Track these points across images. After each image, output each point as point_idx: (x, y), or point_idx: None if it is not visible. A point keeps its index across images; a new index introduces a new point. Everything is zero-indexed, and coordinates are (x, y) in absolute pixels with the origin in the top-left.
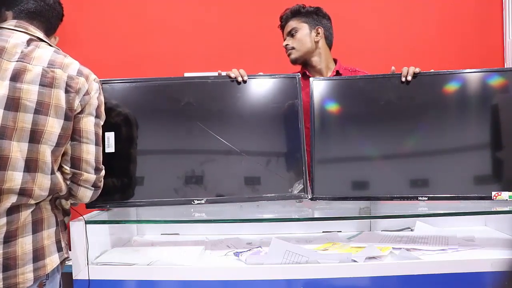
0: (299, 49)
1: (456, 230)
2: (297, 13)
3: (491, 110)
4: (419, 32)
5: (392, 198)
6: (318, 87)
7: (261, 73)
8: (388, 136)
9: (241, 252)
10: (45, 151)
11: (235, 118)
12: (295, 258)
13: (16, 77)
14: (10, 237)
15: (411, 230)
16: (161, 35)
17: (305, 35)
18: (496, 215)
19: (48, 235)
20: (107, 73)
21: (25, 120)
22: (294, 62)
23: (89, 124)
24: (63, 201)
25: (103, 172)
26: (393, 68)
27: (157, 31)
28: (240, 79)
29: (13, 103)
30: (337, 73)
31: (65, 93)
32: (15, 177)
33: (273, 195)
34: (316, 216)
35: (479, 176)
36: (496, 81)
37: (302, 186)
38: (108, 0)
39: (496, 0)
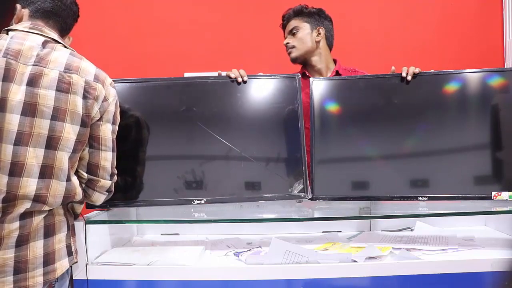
0: (300, 48)
1: (456, 230)
2: (300, 13)
3: (491, 110)
4: (419, 32)
5: (392, 198)
6: (318, 87)
7: (261, 73)
8: (388, 136)
9: (241, 252)
10: (62, 158)
11: (235, 118)
12: (295, 258)
13: (33, 81)
14: (22, 241)
15: (411, 230)
16: (161, 35)
17: (306, 34)
18: (496, 215)
19: (59, 239)
20: (107, 73)
21: (42, 126)
22: (294, 60)
23: (107, 132)
24: (76, 205)
25: (115, 177)
26: (393, 68)
27: (157, 31)
28: (240, 79)
29: (30, 109)
30: (337, 73)
31: (83, 99)
32: (30, 184)
33: (273, 195)
34: (316, 216)
35: (479, 176)
36: (496, 81)
37: (302, 186)
38: (108, 0)
39: (496, 0)
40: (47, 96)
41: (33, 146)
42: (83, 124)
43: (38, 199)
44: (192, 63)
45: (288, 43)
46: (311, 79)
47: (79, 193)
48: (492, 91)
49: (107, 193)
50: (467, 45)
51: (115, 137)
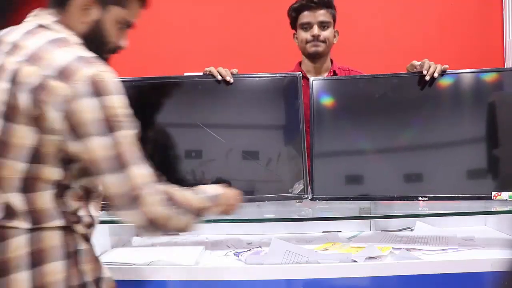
0: (327, 45)
1: (456, 230)
2: (330, 5)
3: (492, 110)
4: (419, 32)
5: (392, 198)
6: (318, 87)
7: (235, 70)
8: (388, 136)
9: (241, 252)
10: (13, 167)
11: (235, 117)
12: (295, 258)
13: None
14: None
15: (411, 230)
16: (161, 35)
17: (332, 33)
18: (496, 215)
19: (52, 270)
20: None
21: None
22: (317, 55)
23: (96, 150)
24: (78, 227)
25: (146, 199)
26: (414, 63)
27: (157, 31)
28: (228, 79)
29: None
30: (334, 73)
31: (33, 100)
32: None
33: (273, 195)
34: (316, 216)
35: (479, 176)
36: (496, 81)
37: (302, 186)
38: None
39: (496, 0)
40: (2, 90)
41: None
42: (40, 127)
43: (6, 209)
44: (192, 63)
45: (319, 35)
46: (311, 79)
47: (51, 213)
48: (492, 91)
49: (151, 229)
50: (467, 45)
51: (124, 149)
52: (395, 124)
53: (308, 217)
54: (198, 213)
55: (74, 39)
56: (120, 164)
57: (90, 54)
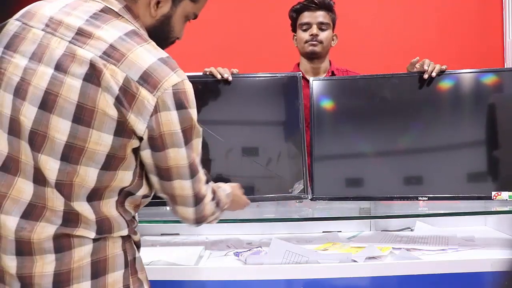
0: (325, 46)
1: (456, 230)
2: (330, 8)
3: (492, 110)
4: (419, 32)
5: (392, 198)
6: (318, 87)
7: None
8: (387, 136)
9: (241, 252)
10: (86, 174)
11: (235, 117)
12: (295, 258)
13: (62, 64)
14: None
15: (411, 230)
16: None
17: (331, 36)
18: (496, 215)
19: (114, 280)
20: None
21: (59, 128)
22: (313, 55)
23: (176, 160)
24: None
25: (207, 199)
26: (415, 60)
27: None
28: (226, 76)
29: (49, 101)
30: (332, 73)
31: (116, 102)
32: (56, 197)
33: (273, 195)
34: (316, 216)
35: (479, 176)
36: (495, 81)
37: (302, 186)
38: None
39: (496, 0)
40: (71, 87)
41: (46, 154)
42: (119, 132)
43: (68, 217)
44: (192, 63)
45: (317, 35)
46: (310, 79)
47: (117, 221)
48: (492, 91)
49: (195, 223)
50: (467, 45)
51: (195, 159)
52: (395, 124)
53: (308, 217)
54: (222, 209)
55: (144, 32)
56: (191, 171)
57: (166, 54)
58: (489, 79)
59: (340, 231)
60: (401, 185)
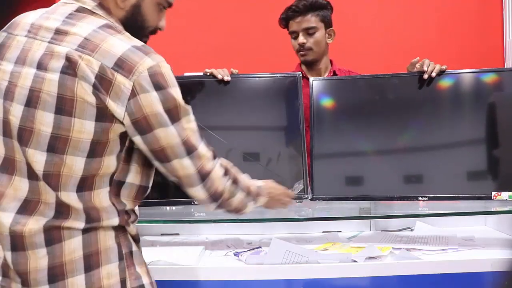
0: (316, 51)
1: (456, 230)
2: (316, 7)
3: (492, 110)
4: (419, 32)
5: (392, 198)
6: (318, 87)
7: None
8: (388, 136)
9: (241, 252)
10: (73, 163)
11: (235, 117)
12: (295, 258)
13: (42, 63)
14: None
15: (411, 230)
16: (160, 35)
17: (322, 36)
18: (496, 215)
19: (109, 272)
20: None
21: (44, 121)
22: (308, 63)
23: (167, 139)
24: (127, 226)
25: (215, 175)
26: (415, 60)
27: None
28: (225, 77)
29: (33, 97)
30: (334, 73)
31: (94, 89)
32: (48, 190)
33: None
34: (316, 216)
35: (479, 176)
36: (496, 81)
37: (302, 186)
38: None
39: (496, 0)
40: (51, 81)
41: (33, 148)
42: (100, 118)
43: (60, 209)
44: (192, 63)
45: (304, 43)
46: (311, 79)
47: (107, 211)
48: (492, 91)
49: (213, 203)
50: (467, 45)
51: (190, 136)
52: (395, 123)
53: (308, 217)
54: (254, 199)
55: (119, 25)
56: (187, 148)
57: (141, 43)
58: (489, 79)
59: (340, 231)
60: (401, 185)
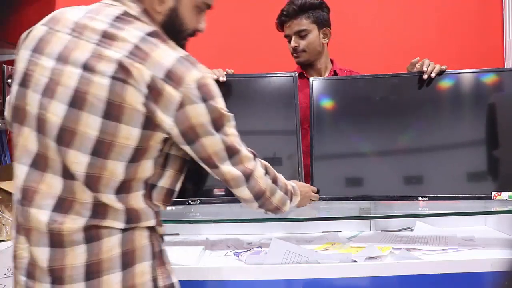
0: (310, 52)
1: (456, 230)
2: (305, 9)
3: (492, 110)
4: (419, 32)
5: (392, 198)
6: (318, 87)
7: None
8: (388, 136)
9: (241, 252)
10: (115, 168)
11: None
12: (295, 258)
13: (88, 64)
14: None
15: (411, 230)
16: None
17: (315, 37)
18: (496, 215)
19: (142, 271)
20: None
21: (90, 124)
22: (302, 64)
23: (212, 147)
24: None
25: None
26: (415, 60)
27: None
28: (221, 78)
29: (79, 99)
30: (335, 73)
31: (145, 99)
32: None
33: None
34: (316, 216)
35: (479, 176)
36: (496, 81)
37: None
38: None
39: (496, 0)
40: (101, 86)
41: (75, 149)
42: (146, 126)
43: (97, 208)
44: None
45: (296, 47)
46: (310, 79)
47: (145, 212)
48: (492, 91)
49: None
50: (467, 45)
51: (233, 140)
52: (396, 124)
53: (308, 217)
54: (290, 197)
55: (163, 33)
56: (231, 153)
57: (186, 53)
58: (489, 79)
59: (340, 231)
60: (401, 185)
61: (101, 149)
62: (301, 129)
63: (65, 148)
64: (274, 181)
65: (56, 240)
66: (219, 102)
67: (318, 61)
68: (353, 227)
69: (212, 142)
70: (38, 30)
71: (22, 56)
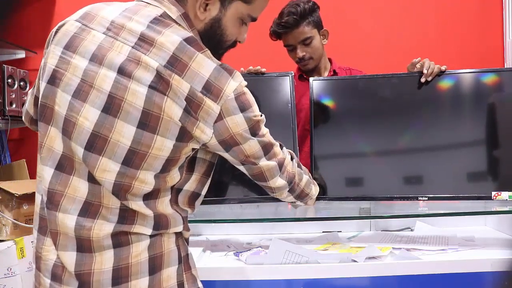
0: (316, 58)
1: (456, 230)
2: (305, 15)
3: (491, 110)
4: (419, 32)
5: (392, 198)
6: (318, 87)
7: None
8: (388, 136)
9: (241, 252)
10: (145, 178)
11: None
12: (295, 258)
13: (125, 69)
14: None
15: (411, 230)
16: None
17: (318, 42)
18: (496, 215)
19: (169, 275)
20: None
21: (124, 132)
22: (310, 71)
23: (251, 150)
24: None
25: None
26: (415, 60)
27: None
28: (263, 70)
29: (114, 105)
30: (334, 72)
31: (184, 111)
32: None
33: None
34: (316, 216)
35: (479, 176)
36: (495, 81)
37: None
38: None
39: (496, 0)
40: (137, 93)
41: (106, 157)
42: (180, 138)
43: (124, 214)
44: None
45: (304, 55)
46: (310, 79)
47: (174, 218)
48: (492, 91)
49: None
50: (467, 45)
51: (268, 138)
52: (396, 123)
53: (308, 217)
54: (314, 183)
55: (200, 40)
56: (265, 151)
57: (220, 62)
58: (489, 79)
59: (340, 231)
60: (401, 185)
61: (133, 160)
62: (303, 130)
63: (96, 155)
64: (299, 165)
65: (84, 245)
66: (255, 110)
67: (318, 67)
68: (353, 227)
69: (250, 146)
70: (71, 25)
71: (53, 52)
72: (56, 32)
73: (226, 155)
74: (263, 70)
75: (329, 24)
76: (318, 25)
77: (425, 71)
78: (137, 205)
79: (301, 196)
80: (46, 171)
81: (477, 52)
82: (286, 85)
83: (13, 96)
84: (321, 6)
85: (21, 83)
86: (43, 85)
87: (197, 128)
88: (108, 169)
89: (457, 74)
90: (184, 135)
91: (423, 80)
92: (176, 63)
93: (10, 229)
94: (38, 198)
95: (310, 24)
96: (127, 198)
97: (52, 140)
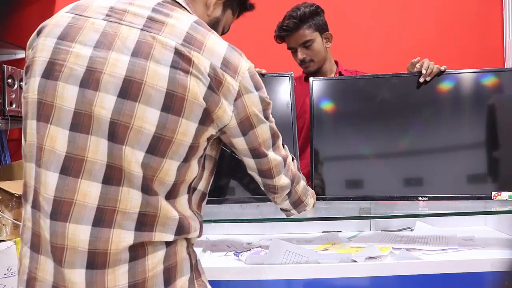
0: (317, 61)
1: (456, 230)
2: (306, 18)
3: (491, 110)
4: (419, 32)
5: (392, 198)
6: (318, 87)
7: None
8: (388, 136)
9: (241, 252)
10: (170, 168)
11: None
12: (295, 258)
13: (140, 51)
14: None
15: (411, 230)
16: None
17: (319, 45)
18: (496, 215)
19: (182, 286)
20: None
21: (147, 117)
22: (312, 73)
23: (263, 135)
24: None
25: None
26: (415, 60)
27: None
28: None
29: (132, 89)
30: (340, 75)
31: (208, 89)
32: (132, 197)
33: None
34: (316, 216)
35: (479, 176)
36: (495, 81)
37: None
38: None
39: (496, 0)
40: (158, 74)
41: (130, 146)
42: (203, 120)
43: (143, 219)
44: None
45: (305, 58)
46: (310, 79)
47: (194, 221)
48: (492, 91)
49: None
50: (467, 45)
51: (274, 125)
52: (395, 123)
53: (308, 217)
54: (309, 190)
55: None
56: (273, 140)
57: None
58: (489, 79)
59: (340, 231)
60: (401, 185)
61: (159, 147)
62: (308, 131)
63: (121, 145)
64: (299, 169)
65: (98, 260)
66: (265, 91)
67: (323, 66)
68: (353, 227)
69: (263, 130)
70: (62, 17)
71: (43, 44)
72: (43, 27)
73: (241, 146)
74: (263, 71)
75: (329, 25)
76: (321, 29)
77: (423, 71)
78: (160, 204)
79: (297, 203)
80: (49, 177)
81: (477, 52)
82: (286, 86)
83: (13, 96)
84: (321, 6)
85: (21, 83)
86: (35, 80)
87: (220, 108)
88: (135, 160)
89: (457, 74)
90: (206, 118)
91: (421, 80)
92: (192, 41)
93: (10, 229)
94: (27, 211)
95: (311, 28)
96: (151, 193)
97: (53, 141)
